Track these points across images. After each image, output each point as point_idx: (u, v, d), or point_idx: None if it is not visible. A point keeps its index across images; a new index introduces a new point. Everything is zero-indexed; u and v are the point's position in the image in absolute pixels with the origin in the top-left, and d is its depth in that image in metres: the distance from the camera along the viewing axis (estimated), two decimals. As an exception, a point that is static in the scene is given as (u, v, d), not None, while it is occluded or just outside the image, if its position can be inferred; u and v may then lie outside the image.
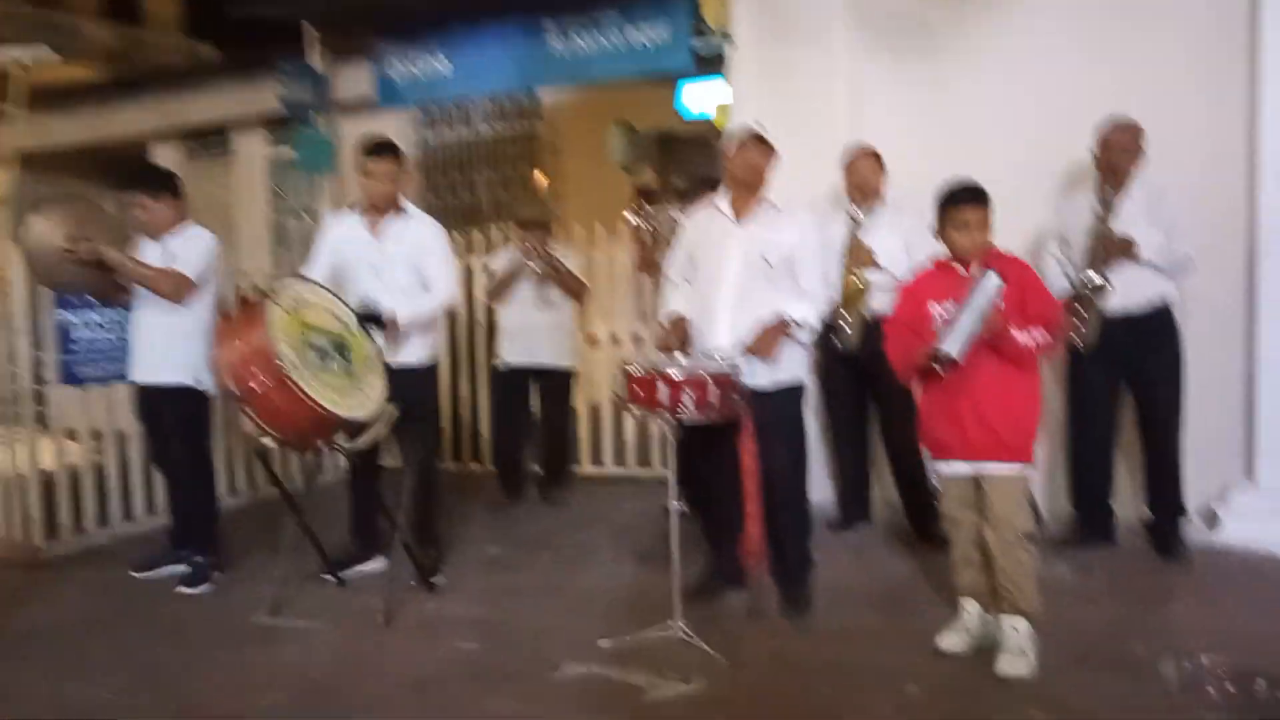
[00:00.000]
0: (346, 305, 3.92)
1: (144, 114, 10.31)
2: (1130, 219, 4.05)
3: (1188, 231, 4.04)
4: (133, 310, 4.39)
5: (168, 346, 4.24)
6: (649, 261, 5.26)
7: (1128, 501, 4.44)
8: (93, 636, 3.80)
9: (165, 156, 10.61)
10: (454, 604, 3.94)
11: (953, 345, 2.98)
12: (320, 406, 3.51)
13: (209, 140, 10.56)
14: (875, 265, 4.33)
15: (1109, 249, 4.01)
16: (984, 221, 3.16)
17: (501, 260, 5.56)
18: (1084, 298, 4.05)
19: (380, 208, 4.18)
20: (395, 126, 8.61)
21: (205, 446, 4.49)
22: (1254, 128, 4.25)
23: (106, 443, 5.16)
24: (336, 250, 4.23)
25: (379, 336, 3.93)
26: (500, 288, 5.47)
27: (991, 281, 2.99)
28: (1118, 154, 4.08)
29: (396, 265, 4.13)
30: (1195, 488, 4.25)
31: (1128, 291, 4.04)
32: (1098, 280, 4.01)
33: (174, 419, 4.32)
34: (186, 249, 4.27)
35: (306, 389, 3.47)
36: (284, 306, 3.62)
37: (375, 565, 4.31)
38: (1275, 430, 4.22)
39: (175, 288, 4.18)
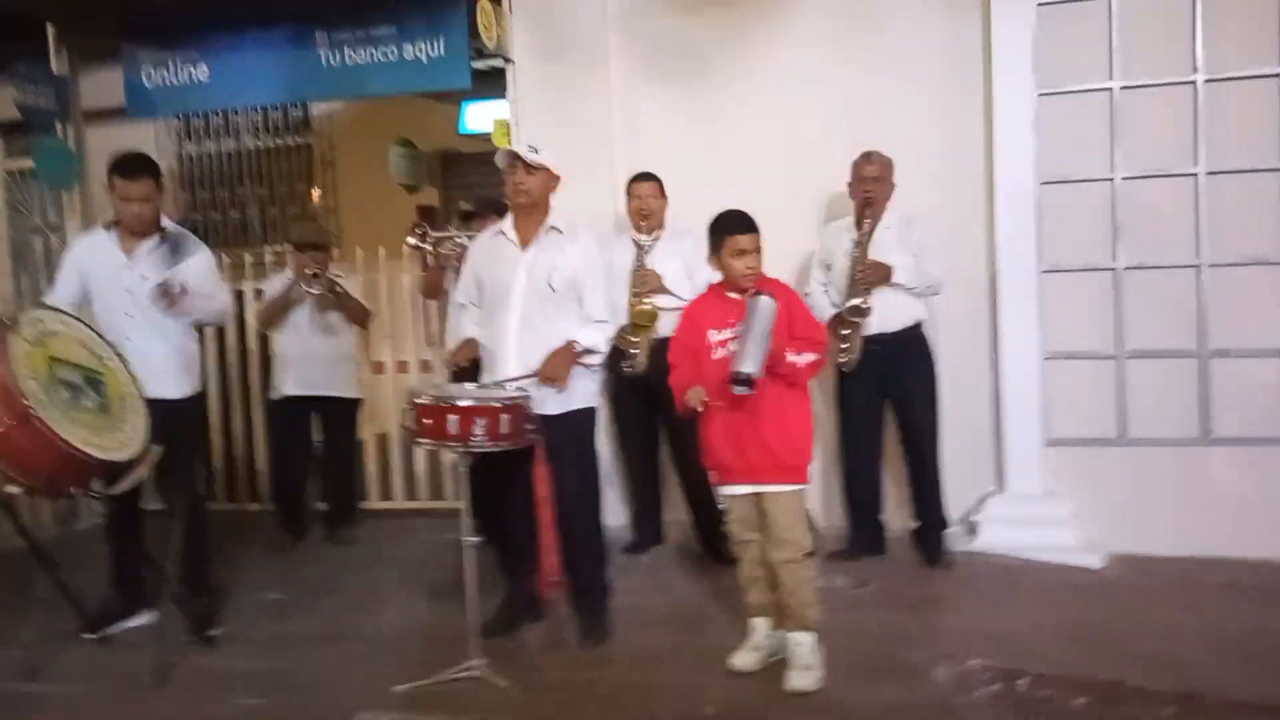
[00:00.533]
0: (99, 335, 3.59)
1: None
2: (884, 245, 4.37)
3: (935, 255, 4.39)
4: None
5: None
6: (433, 286, 5.16)
7: (895, 513, 4.76)
8: None
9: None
10: (234, 657, 3.69)
11: (749, 363, 3.07)
12: (72, 447, 3.20)
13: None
14: (663, 290, 4.43)
15: (868, 274, 4.31)
16: (757, 247, 3.29)
17: (276, 284, 5.28)
18: (846, 320, 4.32)
19: (138, 231, 3.87)
20: (150, 137, 8.00)
21: None
22: (990, 160, 4.68)
23: None
24: (85, 274, 3.88)
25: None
26: (274, 313, 5.19)
27: (766, 302, 3.12)
28: (870, 184, 4.40)
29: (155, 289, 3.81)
30: (956, 497, 4.61)
31: (885, 313, 4.35)
32: (859, 303, 4.30)
33: None
34: None
35: (56, 428, 3.16)
36: (27, 338, 3.28)
37: (142, 619, 3.96)
38: (1021, 441, 4.63)
39: None
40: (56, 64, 5.91)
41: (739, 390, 3.10)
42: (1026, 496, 4.61)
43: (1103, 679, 3.20)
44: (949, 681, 3.24)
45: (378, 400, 5.93)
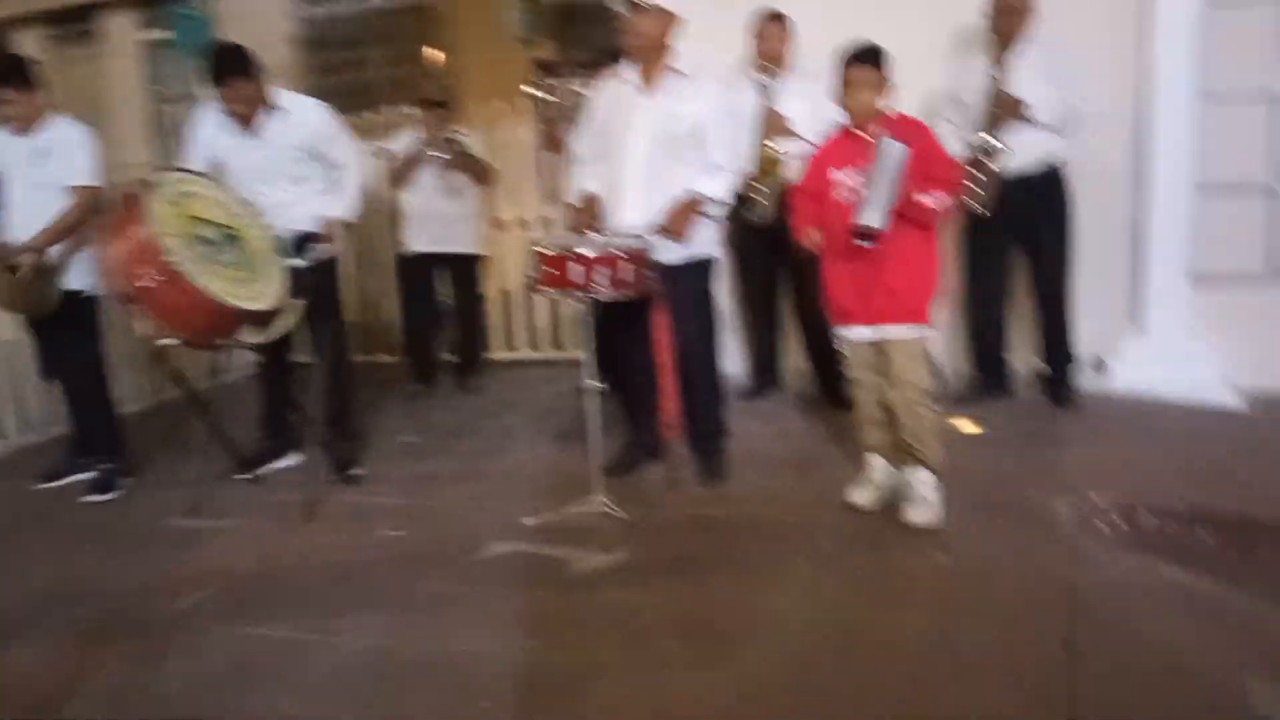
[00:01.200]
0: (235, 194, 3.75)
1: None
2: (1023, 78, 4.09)
3: (1079, 86, 4.09)
4: (7, 213, 4.13)
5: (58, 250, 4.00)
6: (553, 139, 5.14)
7: (1023, 355, 4.63)
8: (7, 544, 3.71)
9: (26, 45, 9.86)
10: (375, 494, 3.94)
11: (873, 216, 3.00)
12: (215, 299, 3.39)
13: (72, 24, 9.83)
14: (790, 133, 4.30)
15: (1002, 110, 4.05)
16: (870, 81, 3.14)
17: (400, 143, 5.37)
18: (979, 161, 4.10)
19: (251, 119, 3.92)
20: (275, 2, 8.12)
21: (97, 352, 4.27)
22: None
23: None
24: (212, 150, 3.98)
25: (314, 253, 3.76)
26: (402, 173, 5.30)
27: (896, 148, 3.00)
28: (1007, 15, 4.09)
29: (284, 163, 3.91)
30: (1086, 339, 4.44)
31: (1021, 152, 4.12)
32: (993, 143, 4.07)
33: (63, 326, 4.13)
34: (62, 148, 4.01)
35: (198, 282, 3.35)
36: (166, 199, 3.45)
37: (290, 461, 4.27)
38: (1159, 282, 4.40)
39: (90, 207, 3.93)
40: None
41: (862, 243, 3.03)
42: (1165, 334, 4.40)
43: (1231, 515, 3.11)
44: (1069, 516, 3.20)
45: (500, 256, 6.05)
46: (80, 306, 4.09)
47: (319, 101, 4.09)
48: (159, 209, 3.36)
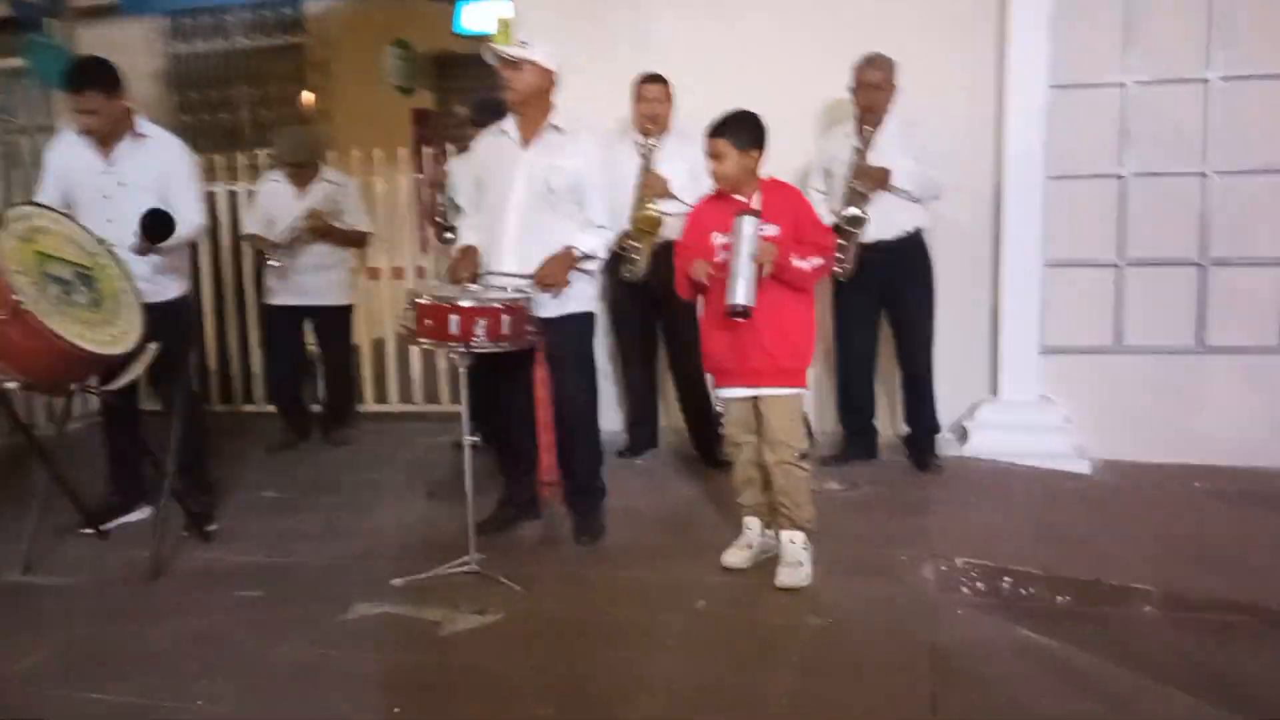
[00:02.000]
0: (89, 232, 3.55)
1: None
2: (886, 151, 4.29)
3: (939, 160, 4.32)
4: None
5: None
6: (432, 211, 5.07)
7: (888, 419, 4.80)
8: None
9: None
10: (232, 551, 3.75)
11: (740, 295, 3.07)
12: (66, 341, 3.19)
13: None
14: (669, 195, 4.37)
15: (867, 180, 4.25)
16: (723, 153, 3.23)
17: (269, 195, 5.17)
18: (843, 229, 4.27)
19: (105, 140, 3.73)
20: (140, 36, 7.83)
21: None
22: (1002, 62, 4.58)
23: None
24: (65, 177, 3.77)
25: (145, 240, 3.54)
26: (268, 249, 5.09)
27: (749, 221, 3.10)
28: (871, 90, 4.30)
29: (135, 194, 3.69)
30: (950, 404, 4.64)
31: (883, 221, 4.30)
32: (856, 213, 4.25)
33: None
34: None
35: (48, 322, 3.15)
36: (16, 233, 3.24)
37: (139, 515, 4.02)
38: (1015, 350, 4.65)
39: None
40: (44, -43, 5.72)
41: (738, 318, 3.11)
42: (1019, 403, 4.64)
43: (1084, 578, 3.27)
44: (935, 579, 3.31)
45: (374, 305, 5.92)
46: None
47: (180, 140, 3.93)
48: (8, 245, 3.15)
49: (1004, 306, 4.66)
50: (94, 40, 6.41)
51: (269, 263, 5.02)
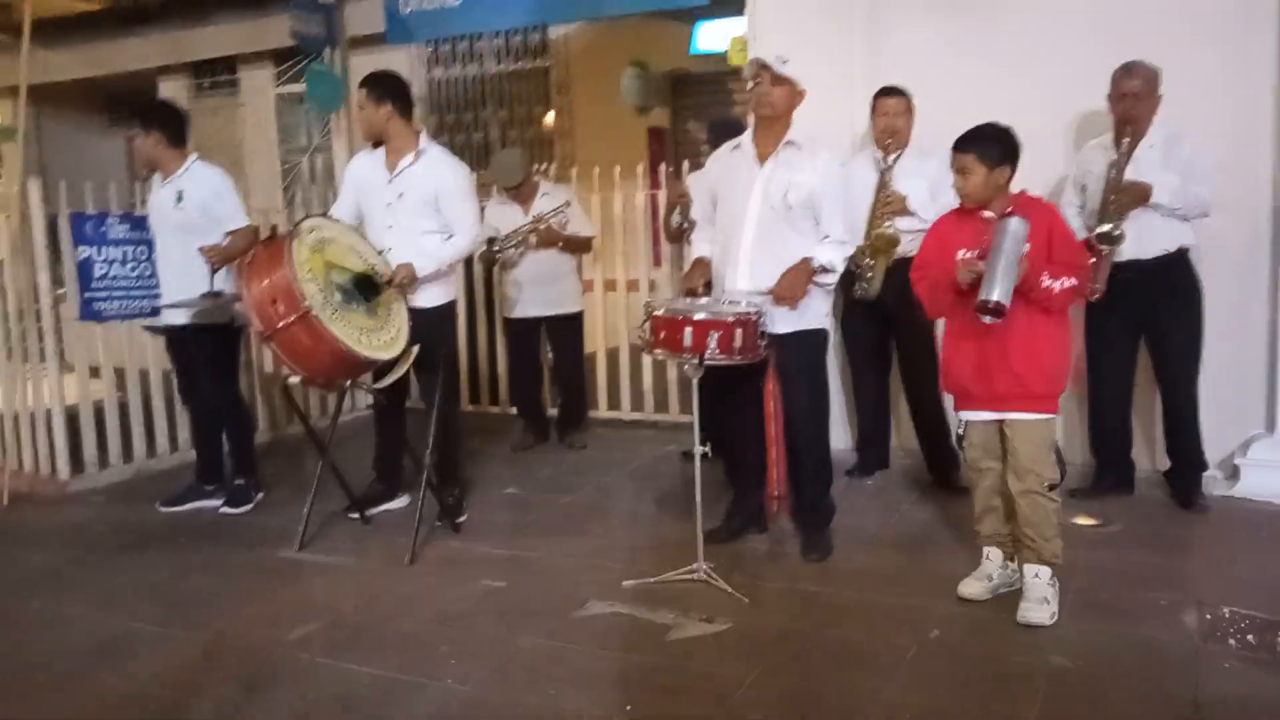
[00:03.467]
0: (370, 244, 3.90)
1: (148, 47, 10.17)
2: (1147, 164, 4.01)
3: (1206, 175, 3.99)
4: (158, 253, 4.43)
5: (194, 287, 4.21)
6: (677, 237, 5.17)
7: (1146, 451, 4.47)
8: (122, 569, 3.87)
9: (170, 91, 10.47)
10: (478, 543, 3.99)
11: (997, 291, 2.93)
12: (345, 346, 3.52)
13: (216, 75, 10.43)
14: (907, 212, 4.28)
15: (1122, 196, 3.98)
16: (970, 169, 3.11)
17: (497, 213, 5.44)
18: (1095, 247, 4.00)
19: (392, 145, 4.08)
20: (404, 62, 8.48)
21: (236, 381, 4.59)
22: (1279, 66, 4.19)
23: (129, 379, 5.17)
24: (358, 189, 4.19)
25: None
26: (496, 259, 5.42)
27: (1015, 223, 2.96)
28: (1130, 101, 4.02)
29: (411, 206, 4.03)
30: (1217, 439, 4.25)
31: (1142, 238, 4.01)
32: (1109, 229, 3.99)
33: (204, 357, 4.36)
34: (203, 190, 4.26)
35: (331, 328, 3.48)
36: (308, 244, 3.60)
37: (399, 504, 4.36)
38: (1297, 383, 4.22)
39: (248, 243, 4.20)
40: (326, -5, 6.32)
41: (986, 319, 2.98)
42: (1301, 441, 4.20)
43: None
44: (1198, 627, 3.04)
45: (609, 315, 6.13)
46: (221, 337, 4.33)
47: (456, 160, 4.23)
48: (301, 254, 3.51)
49: (1286, 330, 4.23)
50: (364, 67, 6.97)
51: (496, 265, 5.27)
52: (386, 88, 4.08)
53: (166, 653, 3.11)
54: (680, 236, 4.98)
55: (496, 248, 5.30)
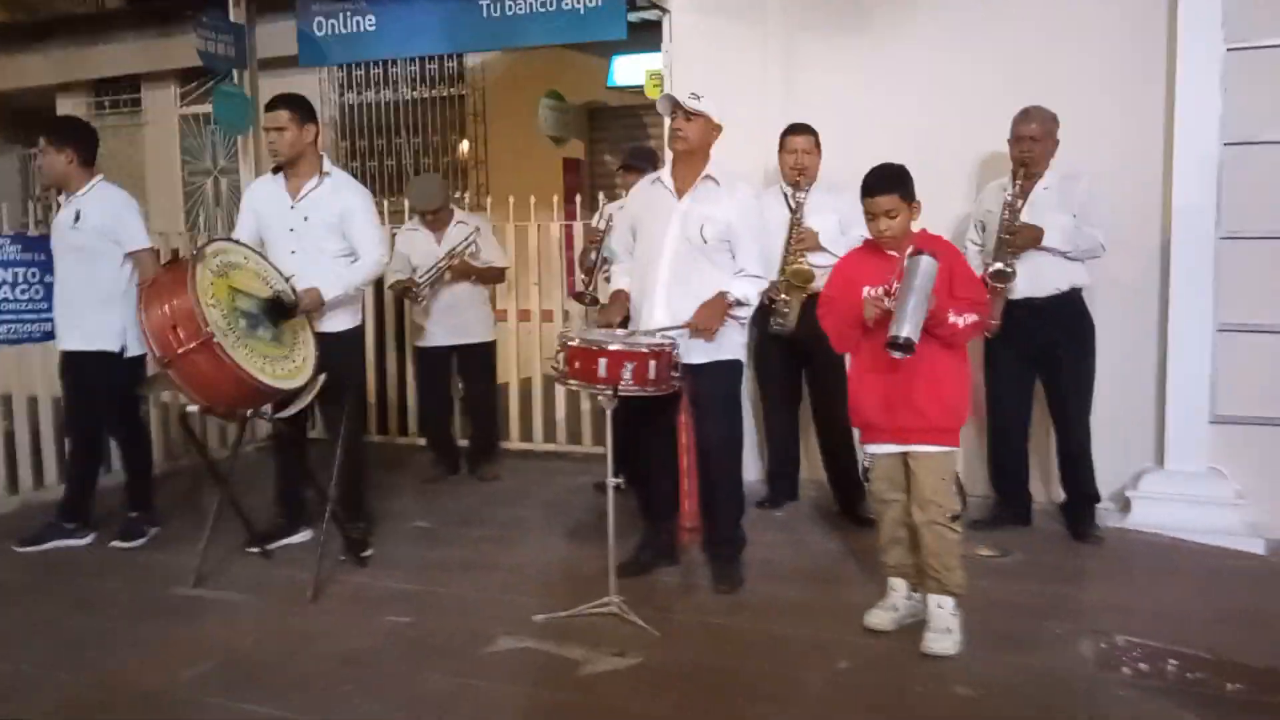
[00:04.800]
0: (276, 270, 3.81)
1: (48, 63, 9.83)
2: (1042, 205, 4.18)
3: (1100, 217, 4.17)
4: (55, 275, 4.27)
5: (93, 311, 4.07)
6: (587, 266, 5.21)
7: (1042, 484, 4.62)
8: (7, 608, 3.67)
9: (69, 109, 10.13)
10: (384, 578, 3.89)
11: (907, 327, 2.99)
12: (248, 374, 3.42)
13: (118, 94, 10.12)
14: (819, 248, 4.37)
15: (1015, 237, 4.14)
16: (895, 210, 3.19)
17: (407, 240, 5.39)
18: (989, 285, 4.14)
19: (288, 165, 4.02)
20: (315, 85, 8.37)
21: (138, 409, 4.43)
22: (1171, 116, 4.41)
23: (15, 405, 4.93)
24: (258, 214, 4.09)
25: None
26: (401, 293, 5.36)
27: (926, 261, 3.03)
28: (1027, 144, 4.20)
29: (317, 230, 3.98)
30: (1109, 472, 4.41)
31: (1034, 278, 4.17)
32: (1001, 267, 4.14)
33: (104, 384, 4.18)
34: (102, 213, 4.12)
35: (234, 356, 3.38)
36: (212, 268, 3.50)
37: (301, 537, 4.24)
38: (1184, 417, 4.40)
39: (151, 269, 4.09)
40: (235, 14, 6.20)
41: (896, 354, 3.04)
42: (1187, 474, 4.38)
43: (1258, 665, 3.06)
44: (1094, 656, 3.14)
45: (522, 346, 6.09)
46: (121, 365, 4.17)
47: (359, 184, 4.19)
48: (204, 278, 3.41)
49: (1172, 371, 4.42)
50: (273, 89, 6.83)
51: (417, 303, 5.23)
52: (311, 111, 4.04)
53: (54, 696, 2.96)
54: (593, 273, 5.00)
55: (415, 290, 5.22)
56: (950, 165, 4.67)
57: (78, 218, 4.12)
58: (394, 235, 5.54)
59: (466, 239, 5.25)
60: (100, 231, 4.12)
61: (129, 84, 10.10)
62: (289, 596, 3.68)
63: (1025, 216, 4.18)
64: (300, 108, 4.02)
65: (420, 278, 5.22)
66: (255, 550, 4.08)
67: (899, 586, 3.39)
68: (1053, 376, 4.32)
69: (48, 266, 4.74)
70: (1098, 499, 4.37)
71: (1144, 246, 4.50)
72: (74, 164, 4.16)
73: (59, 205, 4.33)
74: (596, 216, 5.17)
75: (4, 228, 4.78)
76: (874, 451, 3.35)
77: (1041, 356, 4.29)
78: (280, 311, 3.67)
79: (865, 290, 3.24)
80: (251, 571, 3.96)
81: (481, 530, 4.53)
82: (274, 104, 4.02)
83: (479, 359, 5.49)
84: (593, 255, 4.96)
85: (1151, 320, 4.51)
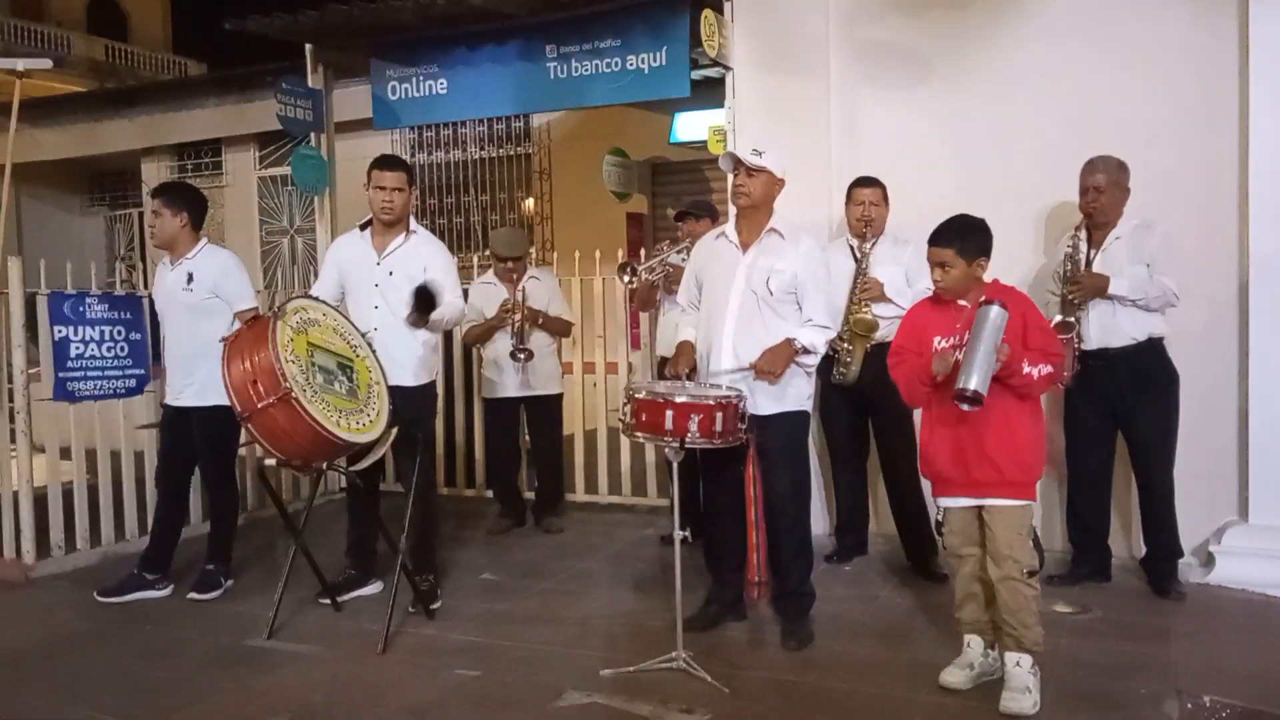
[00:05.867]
0: (353, 326, 3.91)
1: (133, 128, 10.30)
2: (1114, 256, 4.13)
3: (1172, 266, 4.09)
4: (165, 335, 4.45)
5: (208, 368, 4.14)
6: (646, 300, 5.27)
7: (1123, 538, 4.49)
8: (86, 657, 3.76)
9: (154, 172, 10.58)
10: (452, 630, 3.91)
11: (975, 379, 2.95)
12: (324, 429, 3.49)
13: (199, 157, 10.56)
14: (884, 298, 4.36)
15: (1078, 288, 4.09)
16: (950, 264, 3.18)
17: (481, 299, 5.50)
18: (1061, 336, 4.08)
19: (388, 224, 4.16)
20: (388, 147, 8.64)
21: (233, 461, 4.55)
22: (1245, 163, 4.33)
23: (99, 460, 5.09)
24: (342, 270, 4.22)
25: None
26: (478, 338, 5.48)
27: (995, 311, 3.00)
28: (1093, 195, 4.16)
29: (401, 284, 4.06)
30: (1191, 526, 4.28)
31: (1107, 329, 4.11)
32: (1063, 319, 4.09)
33: (206, 436, 4.34)
34: (214, 271, 4.32)
35: (311, 410, 3.46)
36: (291, 325, 3.60)
37: (372, 589, 4.29)
38: (1268, 469, 4.25)
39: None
40: (313, 80, 6.44)
41: (965, 406, 3.00)
42: (1273, 528, 4.21)
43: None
44: (1178, 716, 3.02)
45: (588, 398, 6.13)
46: (221, 419, 4.17)
47: (440, 241, 4.33)
48: (284, 335, 3.51)
49: (1254, 421, 4.29)
50: (349, 151, 7.12)
51: (518, 352, 5.30)
52: (413, 174, 4.24)
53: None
54: (651, 298, 5.03)
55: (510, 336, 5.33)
56: (1018, 215, 4.63)
57: (190, 279, 4.30)
58: (465, 291, 5.66)
59: (535, 292, 5.33)
60: (213, 290, 4.31)
61: (210, 147, 10.54)
62: (359, 648, 3.72)
63: (1098, 266, 4.13)
64: (409, 170, 4.23)
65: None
66: (327, 602, 4.13)
67: (975, 644, 3.30)
68: (1132, 428, 4.22)
69: (133, 325, 4.94)
70: (1180, 554, 4.23)
71: (1220, 294, 4.40)
72: (187, 227, 4.36)
73: (149, 265, 4.52)
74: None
75: (93, 287, 4.98)
76: (947, 505, 3.29)
77: (1119, 408, 4.20)
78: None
79: (935, 340, 3.22)
80: (323, 623, 4.01)
81: (547, 583, 4.54)
82: (391, 164, 4.17)
83: (547, 411, 5.54)
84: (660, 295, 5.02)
85: (1231, 370, 4.39)
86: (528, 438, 5.76)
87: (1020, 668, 3.11)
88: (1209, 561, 4.32)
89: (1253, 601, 4.07)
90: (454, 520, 5.57)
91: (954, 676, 3.27)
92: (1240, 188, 4.36)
